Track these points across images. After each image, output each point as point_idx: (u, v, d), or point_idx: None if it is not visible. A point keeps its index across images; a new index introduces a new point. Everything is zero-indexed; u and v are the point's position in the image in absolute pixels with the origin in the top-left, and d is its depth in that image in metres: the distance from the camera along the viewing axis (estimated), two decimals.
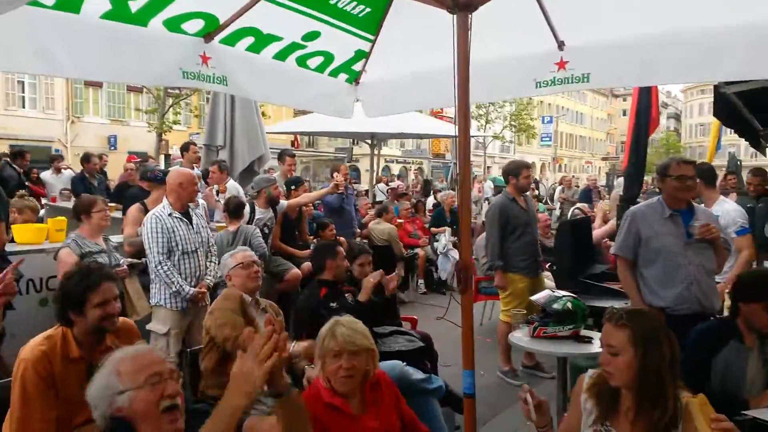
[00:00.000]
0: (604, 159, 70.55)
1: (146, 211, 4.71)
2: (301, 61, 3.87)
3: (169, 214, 4.17)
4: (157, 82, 3.81)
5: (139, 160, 10.42)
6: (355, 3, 3.48)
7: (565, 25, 3.59)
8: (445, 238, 8.48)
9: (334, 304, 3.70)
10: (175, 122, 17.26)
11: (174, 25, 3.07)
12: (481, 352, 6.14)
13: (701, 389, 2.14)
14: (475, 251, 7.04)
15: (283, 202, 6.17)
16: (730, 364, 2.67)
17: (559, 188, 14.43)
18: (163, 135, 16.60)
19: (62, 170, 9.74)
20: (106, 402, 1.72)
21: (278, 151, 10.68)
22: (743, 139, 9.19)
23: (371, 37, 3.88)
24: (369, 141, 11.47)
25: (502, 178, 25.35)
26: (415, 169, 24.67)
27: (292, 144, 26.07)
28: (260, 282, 3.73)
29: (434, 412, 3.11)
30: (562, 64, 3.75)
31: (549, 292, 3.77)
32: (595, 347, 3.59)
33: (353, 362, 2.34)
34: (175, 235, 4.16)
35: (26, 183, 8.88)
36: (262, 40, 3.51)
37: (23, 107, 24.42)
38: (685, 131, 78.44)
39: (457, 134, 2.70)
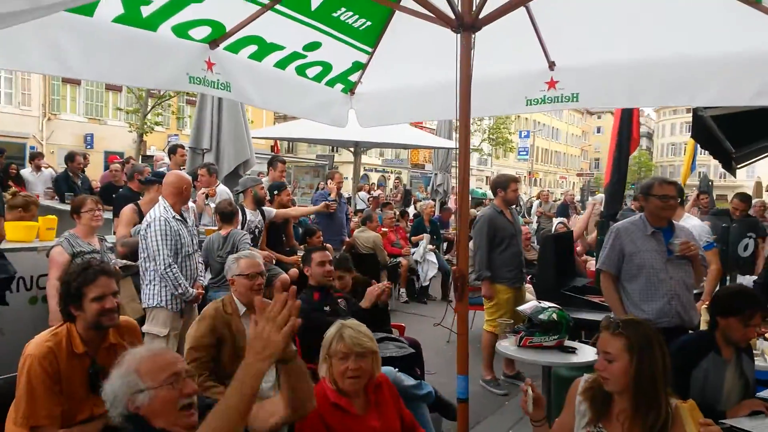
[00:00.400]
0: (579, 174, 71.68)
1: (140, 212, 4.73)
2: (301, 70, 3.96)
3: (173, 218, 4.20)
4: (165, 85, 3.85)
5: (121, 160, 10.32)
6: (357, 17, 3.58)
7: (557, 46, 3.74)
8: (422, 245, 8.59)
9: (327, 308, 3.78)
10: (156, 123, 17.10)
11: (182, 31, 3.14)
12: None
13: (683, 399, 2.27)
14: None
15: (272, 210, 6.20)
16: (708, 375, 2.81)
17: (536, 202, 14.70)
18: (144, 135, 16.42)
19: (42, 168, 9.62)
20: (125, 400, 1.77)
21: (261, 155, 10.70)
22: (715, 160, 9.50)
23: (369, 49, 3.99)
24: (352, 149, 11.55)
25: (479, 189, 25.49)
26: (395, 179, 24.80)
27: (272, 149, 25.98)
28: (261, 293, 3.62)
29: (424, 418, 3.18)
30: (552, 84, 3.90)
31: (535, 303, 3.89)
32: (578, 357, 3.72)
33: (360, 364, 2.42)
34: (180, 237, 4.20)
35: (8, 181, 8.74)
36: (265, 49, 3.60)
37: None
38: (657, 150, 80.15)
39: (457, 147, 2.79)
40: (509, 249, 5.34)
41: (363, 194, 13.73)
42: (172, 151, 7.27)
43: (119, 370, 1.83)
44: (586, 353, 3.75)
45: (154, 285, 4.17)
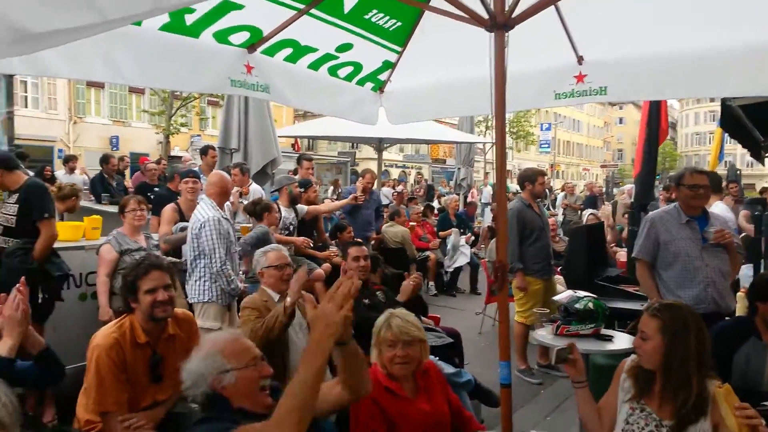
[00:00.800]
0: (603, 166, 70.97)
1: (180, 211, 4.91)
2: (333, 71, 4.07)
3: (223, 217, 4.38)
4: (209, 89, 3.99)
5: (152, 161, 10.55)
6: (387, 18, 3.68)
7: (585, 41, 3.80)
8: (453, 238, 8.68)
9: (366, 301, 3.89)
10: (182, 125, 17.40)
11: (222, 36, 3.28)
12: (495, 352, 6.41)
13: (723, 383, 2.35)
14: (488, 255, 7.25)
15: (304, 207, 6.35)
16: (750, 360, 2.88)
17: (561, 195, 14.65)
18: (170, 137, 16.72)
19: (75, 171, 9.89)
20: (210, 379, 1.91)
21: (283, 153, 10.86)
22: (742, 149, 9.44)
23: (399, 48, 4.09)
24: (374, 145, 11.67)
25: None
26: (417, 174, 24.87)
27: (293, 147, 26.21)
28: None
29: (466, 404, 3.29)
30: (581, 78, 3.97)
31: (571, 292, 3.96)
32: (615, 345, 3.79)
33: (407, 351, 2.54)
34: (230, 236, 4.38)
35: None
36: (299, 51, 3.72)
37: (26, 107, 24.52)
38: (681, 140, 79.01)
39: (494, 143, 2.89)
40: (538, 241, 5.41)
41: (387, 190, 13.83)
42: (204, 152, 7.46)
43: (202, 352, 1.97)
44: (622, 341, 3.81)
45: (205, 281, 4.31)
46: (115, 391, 2.59)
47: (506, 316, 2.91)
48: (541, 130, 43.22)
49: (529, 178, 5.51)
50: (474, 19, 2.79)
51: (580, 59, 3.92)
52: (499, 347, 2.84)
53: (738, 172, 13.78)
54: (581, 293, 4.00)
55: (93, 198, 8.26)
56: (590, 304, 3.89)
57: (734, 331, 2.98)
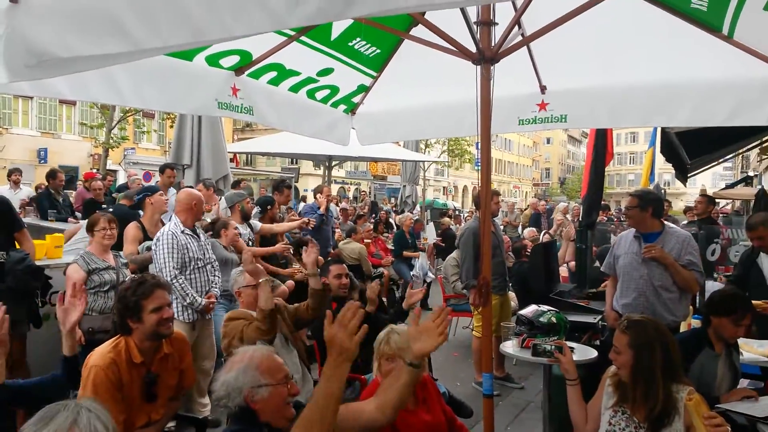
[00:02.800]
0: (535, 185, 73.60)
1: (143, 228, 4.85)
2: (311, 94, 4.21)
3: (182, 231, 4.37)
4: (196, 111, 4.04)
5: (99, 176, 10.22)
6: (369, 45, 3.85)
7: (548, 71, 4.10)
8: (419, 262, 8.84)
9: None
10: (123, 138, 16.87)
11: (214, 60, 3.36)
12: (452, 365, 6.63)
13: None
14: (443, 271, 7.49)
15: (258, 224, 6.36)
16: (704, 368, 3.18)
17: (501, 212, 15.16)
18: (110, 150, 16.17)
19: (19, 184, 9.43)
20: (244, 392, 1.98)
21: None
22: (661, 169, 10.16)
23: (375, 74, 4.26)
24: (326, 163, 11.78)
25: (439, 200, 25.93)
26: (357, 190, 25.07)
27: (231, 161, 25.84)
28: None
29: None
30: (543, 106, 4.26)
31: (535, 307, 4.20)
32: (576, 356, 4.04)
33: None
34: (188, 251, 4.36)
35: None
36: (283, 74, 3.83)
37: None
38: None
39: (479, 166, 3.09)
40: (493, 258, 5.63)
41: (332, 207, 13.90)
42: (162, 171, 7.34)
43: (235, 366, 2.04)
44: (583, 352, 4.08)
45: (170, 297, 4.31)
46: (112, 410, 2.56)
47: (489, 330, 3.09)
48: (476, 148, 44.34)
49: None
50: (463, 52, 2.99)
51: (543, 88, 4.21)
52: (483, 359, 3.02)
53: (663, 191, 14.76)
54: (544, 307, 4.25)
55: (39, 214, 7.94)
56: (553, 318, 4.14)
57: (691, 342, 3.28)
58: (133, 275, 4.53)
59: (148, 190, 5.35)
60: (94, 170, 14.97)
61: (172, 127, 12.85)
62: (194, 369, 4.38)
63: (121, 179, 20.00)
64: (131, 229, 4.78)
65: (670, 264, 4.00)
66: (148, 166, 20.41)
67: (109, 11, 1.77)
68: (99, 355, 2.68)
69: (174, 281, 4.23)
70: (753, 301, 3.77)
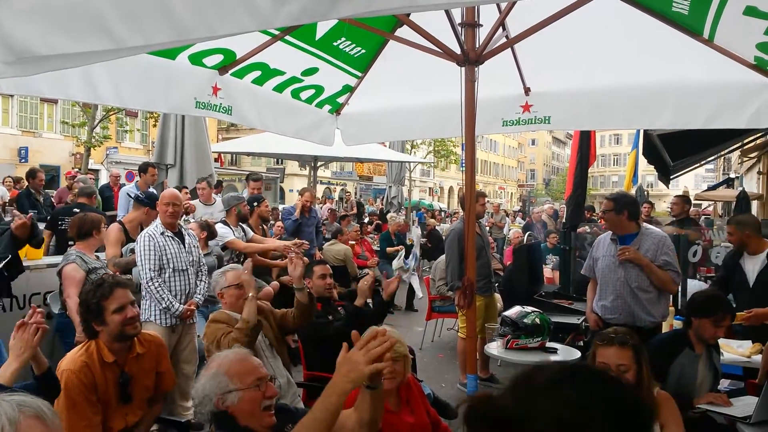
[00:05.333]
0: (521, 186, 73.98)
1: (125, 230, 4.79)
2: (295, 94, 4.19)
3: (162, 233, 4.29)
4: (174, 110, 4.00)
5: (79, 176, 10.07)
6: (354, 45, 3.85)
7: (532, 73, 4.12)
8: (397, 261, 8.85)
9: (330, 318, 3.97)
10: (106, 137, 16.67)
11: (197, 59, 3.33)
12: (438, 366, 6.64)
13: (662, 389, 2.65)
14: (432, 272, 7.50)
15: (251, 232, 6.30)
16: (684, 369, 3.20)
17: (487, 213, 15.25)
18: (92, 149, 15.96)
19: None
20: (215, 399, 1.95)
21: None
22: (644, 171, 10.28)
23: (360, 74, 4.26)
24: (311, 163, 11.74)
25: (424, 201, 26.07)
26: (342, 191, 25.06)
27: (216, 161, 25.69)
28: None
29: None
30: (527, 107, 4.28)
31: (519, 308, 4.23)
32: (560, 356, 4.09)
33: (394, 366, 2.64)
34: (166, 253, 4.27)
35: None
36: (267, 74, 3.81)
37: None
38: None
39: (464, 167, 3.10)
40: (478, 260, 5.64)
41: (317, 208, 13.87)
42: (143, 169, 7.26)
43: (209, 372, 2.02)
44: (566, 353, 4.11)
45: (146, 300, 4.27)
46: (87, 413, 2.57)
47: (474, 331, 3.10)
48: (462, 149, 44.39)
49: None
50: (448, 54, 3.00)
51: (527, 90, 4.23)
52: (468, 361, 3.03)
53: (646, 193, 14.92)
54: (528, 309, 4.28)
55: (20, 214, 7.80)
56: (537, 319, 4.17)
57: (671, 343, 3.31)
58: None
59: (149, 198, 5.17)
60: (75, 169, 14.76)
61: (155, 126, 12.75)
62: (175, 372, 4.40)
63: (104, 179, 19.80)
64: (113, 231, 4.71)
65: (645, 265, 4.02)
66: (130, 166, 20.20)
67: (92, 9, 1.75)
68: (70, 359, 2.65)
69: (149, 284, 4.17)
70: (737, 314, 3.85)
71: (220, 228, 5.66)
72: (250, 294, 3.40)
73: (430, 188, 54.20)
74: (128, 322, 2.74)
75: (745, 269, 4.48)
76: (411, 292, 9.50)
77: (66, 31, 1.84)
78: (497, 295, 6.26)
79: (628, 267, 4.07)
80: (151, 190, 6.69)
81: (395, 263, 8.50)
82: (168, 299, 4.21)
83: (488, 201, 17.27)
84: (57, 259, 4.50)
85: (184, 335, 4.39)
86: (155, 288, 4.17)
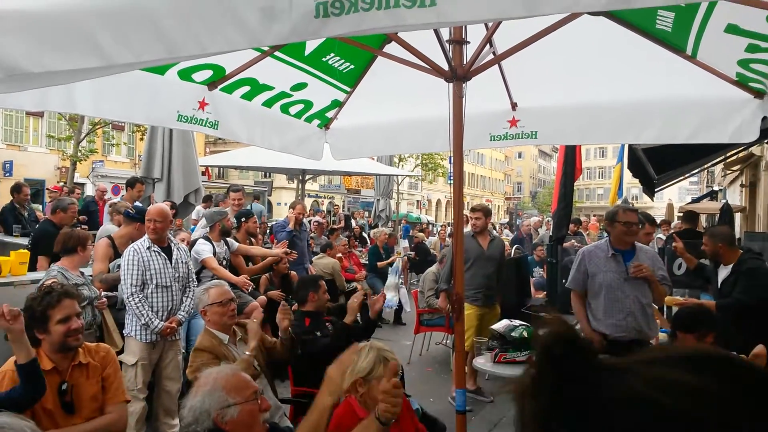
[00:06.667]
0: (508, 198, 74.42)
1: (114, 246, 4.76)
2: (285, 108, 4.20)
3: (148, 248, 4.27)
4: (154, 122, 3.99)
5: (66, 191, 9.98)
6: (343, 60, 3.87)
7: (519, 88, 4.17)
8: (392, 277, 8.83)
9: (318, 333, 3.96)
10: (92, 151, 16.56)
11: (187, 74, 3.34)
12: (426, 381, 6.62)
13: None
14: (421, 284, 7.50)
15: (235, 243, 6.28)
16: None
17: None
18: (78, 163, 15.85)
19: None
20: (213, 414, 1.93)
21: None
22: (629, 184, 10.41)
23: (348, 89, 4.28)
24: (299, 177, 11.75)
25: (412, 214, 26.15)
26: (330, 204, 25.05)
27: (203, 174, 25.58)
28: (235, 318, 3.79)
29: None
30: (514, 122, 4.33)
31: (507, 321, 4.24)
32: None
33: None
34: (149, 268, 4.24)
35: None
36: (257, 89, 3.82)
37: None
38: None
39: (452, 180, 3.12)
40: (471, 269, 5.68)
41: (305, 221, 13.86)
42: (131, 184, 7.22)
43: (204, 389, 2.00)
44: None
45: (129, 314, 4.26)
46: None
47: (462, 345, 3.10)
48: (450, 162, 44.65)
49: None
50: (436, 70, 3.03)
51: (513, 105, 4.27)
52: (455, 375, 3.02)
53: (631, 205, 15.04)
54: (516, 322, 4.30)
55: (2, 229, 7.72)
56: (525, 333, 4.19)
57: None
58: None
59: (140, 213, 5.11)
60: (61, 183, 14.64)
61: (142, 139, 12.68)
62: (158, 389, 4.36)
63: (89, 192, 19.63)
64: (102, 246, 4.68)
65: (654, 281, 4.08)
66: (117, 179, 20.07)
67: (82, 27, 1.76)
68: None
69: (130, 299, 4.14)
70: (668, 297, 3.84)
71: (200, 245, 5.63)
72: (250, 349, 3.39)
73: (417, 201, 54.30)
74: (71, 333, 2.71)
75: (719, 278, 4.55)
76: (399, 305, 9.49)
77: (56, 48, 1.85)
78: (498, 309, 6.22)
79: (636, 283, 4.09)
80: (138, 204, 6.64)
81: (391, 280, 8.49)
82: (147, 315, 4.17)
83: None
84: (41, 275, 4.44)
85: (167, 352, 4.35)
86: (135, 303, 4.14)
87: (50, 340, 2.69)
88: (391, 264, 9.53)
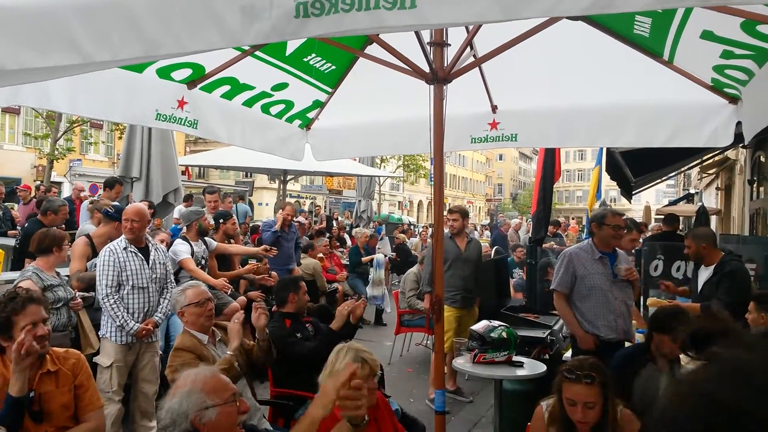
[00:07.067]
0: (488, 200, 74.86)
1: (92, 245, 4.69)
2: (265, 108, 4.18)
3: (125, 248, 4.22)
4: (131, 121, 3.95)
5: (43, 189, 9.82)
6: (324, 61, 3.87)
7: (499, 91, 4.20)
8: (375, 272, 8.86)
9: (299, 335, 3.94)
10: (69, 149, 16.30)
11: (165, 73, 3.31)
12: (406, 381, 6.63)
13: (627, 402, 2.68)
14: (401, 285, 7.51)
15: (213, 242, 6.23)
16: (647, 383, 3.26)
17: None
18: (55, 161, 15.60)
19: None
20: (191, 417, 1.91)
21: None
22: (618, 187, 10.54)
23: (330, 90, 4.28)
24: (280, 177, 11.70)
25: (394, 215, 26.17)
26: (312, 204, 25.01)
27: (183, 174, 25.35)
28: (213, 319, 3.74)
29: None
30: (494, 125, 4.36)
31: (486, 322, 4.26)
32: (526, 370, 4.13)
33: (374, 382, 2.64)
34: (126, 269, 4.19)
35: None
36: (237, 89, 3.80)
37: None
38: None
39: (432, 182, 3.13)
40: (450, 270, 5.70)
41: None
42: (110, 185, 7.12)
43: (182, 390, 1.98)
44: (532, 367, 4.16)
45: (105, 316, 4.20)
46: None
47: (441, 346, 3.11)
48: (431, 164, 44.72)
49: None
50: (417, 72, 3.04)
51: (494, 108, 4.31)
52: (434, 376, 3.04)
53: (609, 207, 15.23)
54: (495, 323, 4.31)
55: None
56: (504, 333, 4.20)
57: (635, 357, 3.37)
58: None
59: (119, 212, 5.04)
60: (38, 182, 14.41)
61: (121, 138, 12.54)
62: (135, 391, 4.31)
63: (66, 191, 19.32)
64: (79, 245, 4.61)
65: (637, 284, 4.17)
66: (95, 178, 19.79)
67: (59, 24, 1.75)
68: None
69: (105, 300, 4.09)
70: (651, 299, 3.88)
71: (178, 245, 5.57)
72: (232, 349, 3.36)
73: (399, 202, 54.37)
74: (38, 340, 2.61)
75: (699, 279, 4.62)
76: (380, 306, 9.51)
77: (34, 46, 1.83)
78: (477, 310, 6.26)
79: (622, 285, 4.18)
80: (116, 203, 6.55)
81: (375, 274, 8.51)
82: (122, 317, 4.11)
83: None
84: (16, 275, 4.37)
85: (143, 354, 4.30)
86: (110, 305, 4.08)
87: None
88: (371, 262, 9.56)
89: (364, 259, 9.70)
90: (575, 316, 4.22)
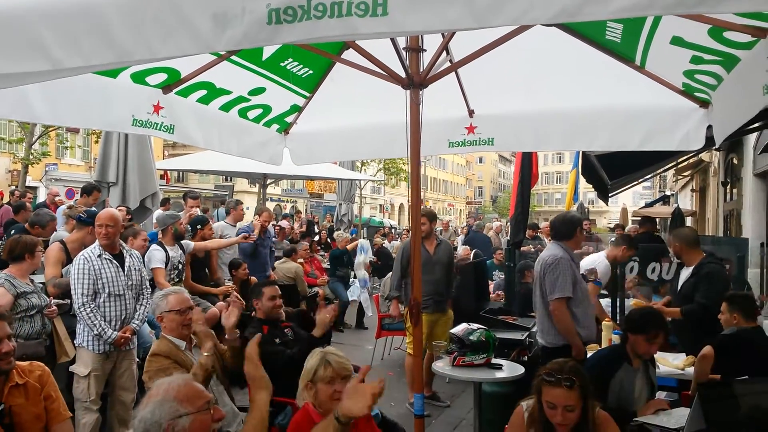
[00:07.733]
0: (469, 203, 75.23)
1: (67, 250, 4.62)
2: (243, 113, 4.17)
3: (99, 256, 4.15)
4: (109, 127, 3.91)
5: (18, 194, 9.65)
6: (301, 66, 3.87)
7: (476, 96, 4.23)
8: (360, 256, 8.90)
9: (277, 341, 3.92)
10: (45, 154, 16.05)
11: (140, 78, 3.28)
12: (386, 385, 6.58)
13: (603, 403, 2.72)
14: (382, 289, 7.53)
15: (191, 243, 6.18)
16: (623, 383, 3.30)
17: (437, 230, 15.36)
18: (30, 166, 15.34)
19: None
20: (164, 425, 1.89)
21: None
22: (594, 190, 10.67)
23: (308, 94, 4.27)
24: (260, 181, 11.63)
25: (375, 218, 26.17)
26: (293, 209, 24.90)
27: (162, 178, 25.10)
28: (191, 327, 3.60)
29: None
30: (471, 129, 4.39)
31: (466, 325, 4.28)
32: (504, 373, 4.16)
33: (345, 385, 2.64)
34: (101, 276, 4.13)
35: None
36: (213, 93, 3.78)
37: None
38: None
39: (409, 186, 3.14)
40: (422, 276, 5.69)
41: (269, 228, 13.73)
42: (87, 192, 7.03)
43: (155, 399, 1.95)
44: (510, 369, 4.19)
45: (81, 324, 4.14)
46: None
47: (420, 350, 3.12)
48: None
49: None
50: (393, 77, 3.05)
51: (471, 112, 4.34)
52: (415, 380, 3.05)
53: (587, 210, 15.44)
54: (474, 326, 4.34)
55: None
56: (483, 336, 4.23)
57: (610, 358, 3.41)
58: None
59: (92, 217, 4.96)
60: (12, 187, 14.17)
61: (97, 142, 12.36)
62: (112, 400, 4.26)
63: (42, 196, 19.02)
64: (53, 251, 4.54)
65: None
66: (71, 183, 19.50)
67: (29, 30, 1.73)
68: None
69: (81, 309, 4.03)
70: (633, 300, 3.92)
71: (152, 251, 5.51)
72: (207, 350, 3.32)
73: (380, 205, 54.41)
74: (2, 357, 2.60)
75: (680, 279, 4.68)
76: (361, 310, 9.51)
77: (2, 51, 1.81)
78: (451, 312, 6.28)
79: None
80: (91, 209, 6.47)
81: (360, 258, 8.54)
82: (100, 326, 4.06)
83: (438, 218, 17.38)
84: None
85: (121, 362, 4.25)
86: (87, 313, 4.02)
87: None
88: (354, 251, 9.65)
89: (350, 246, 9.73)
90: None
